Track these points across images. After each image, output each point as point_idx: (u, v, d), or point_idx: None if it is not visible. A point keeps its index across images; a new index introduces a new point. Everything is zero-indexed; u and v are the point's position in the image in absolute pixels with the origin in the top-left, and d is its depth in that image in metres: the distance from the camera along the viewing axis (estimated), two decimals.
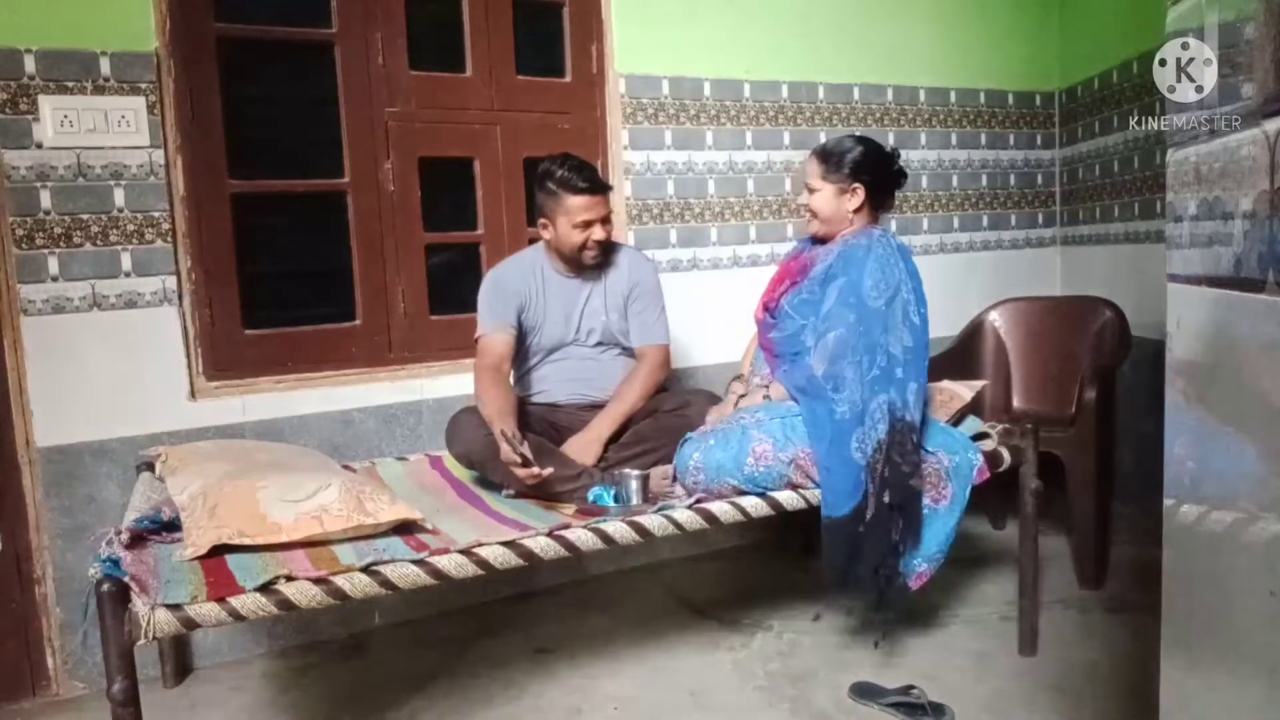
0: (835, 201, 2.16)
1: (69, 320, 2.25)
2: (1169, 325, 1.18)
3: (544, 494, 2.09)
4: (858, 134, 2.30)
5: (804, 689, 2.17)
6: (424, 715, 2.14)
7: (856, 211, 2.16)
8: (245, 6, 2.49)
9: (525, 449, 1.97)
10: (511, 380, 2.40)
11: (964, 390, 2.38)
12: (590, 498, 2.03)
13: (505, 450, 1.98)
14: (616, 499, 2.02)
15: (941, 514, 2.06)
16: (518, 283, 2.35)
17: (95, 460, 2.29)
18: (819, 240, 2.26)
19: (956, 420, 2.31)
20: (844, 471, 1.95)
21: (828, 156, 2.17)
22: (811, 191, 2.19)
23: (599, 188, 2.27)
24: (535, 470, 1.97)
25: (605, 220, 2.30)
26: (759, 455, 1.97)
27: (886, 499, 1.95)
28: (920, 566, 2.05)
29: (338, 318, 2.66)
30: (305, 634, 2.55)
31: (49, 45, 2.19)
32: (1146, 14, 3.12)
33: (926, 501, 2.05)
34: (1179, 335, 1.16)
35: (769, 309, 2.24)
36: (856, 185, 2.15)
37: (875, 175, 2.16)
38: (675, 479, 2.06)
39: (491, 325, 2.31)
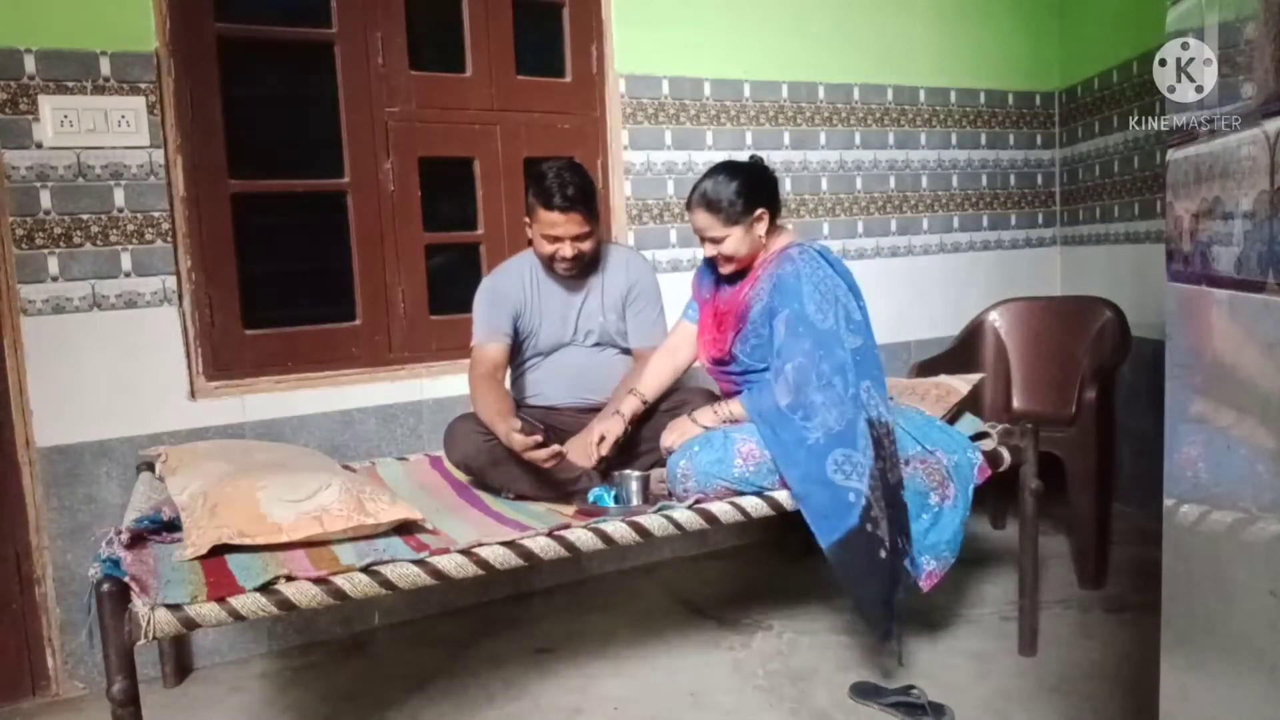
0: (747, 238, 2.08)
1: (69, 320, 2.25)
2: (1169, 325, 1.18)
3: (545, 496, 2.09)
4: (719, 161, 2.16)
5: (804, 689, 2.17)
6: (424, 715, 2.14)
7: (767, 234, 2.11)
8: (245, 6, 2.49)
9: (538, 435, 1.98)
10: (508, 381, 2.40)
11: (960, 384, 2.37)
12: (590, 499, 2.04)
13: (520, 440, 1.97)
14: (616, 499, 2.02)
15: (947, 513, 2.06)
16: (512, 289, 2.34)
17: (95, 460, 2.29)
18: (728, 274, 2.17)
19: (953, 416, 2.31)
20: (823, 493, 1.90)
21: (719, 204, 2.04)
22: (718, 242, 2.07)
23: (573, 207, 2.19)
24: (555, 448, 1.97)
25: (579, 239, 2.24)
26: (746, 455, 1.97)
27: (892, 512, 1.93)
28: (930, 565, 2.02)
29: (338, 318, 2.66)
30: (305, 634, 2.55)
31: (49, 45, 2.19)
32: (1146, 14, 3.12)
33: (932, 499, 2.05)
34: (1179, 335, 1.16)
35: (720, 361, 2.17)
36: (760, 211, 2.07)
37: (767, 192, 2.11)
38: (669, 493, 2.05)
39: (486, 334, 2.31)
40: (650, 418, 2.28)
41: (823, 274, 2.03)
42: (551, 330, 2.37)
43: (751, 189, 2.07)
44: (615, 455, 2.21)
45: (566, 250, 2.24)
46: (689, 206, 2.12)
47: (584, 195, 2.22)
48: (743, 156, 2.18)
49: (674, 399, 2.33)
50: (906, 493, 2.03)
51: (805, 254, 2.06)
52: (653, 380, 2.25)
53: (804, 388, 1.95)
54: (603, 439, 2.13)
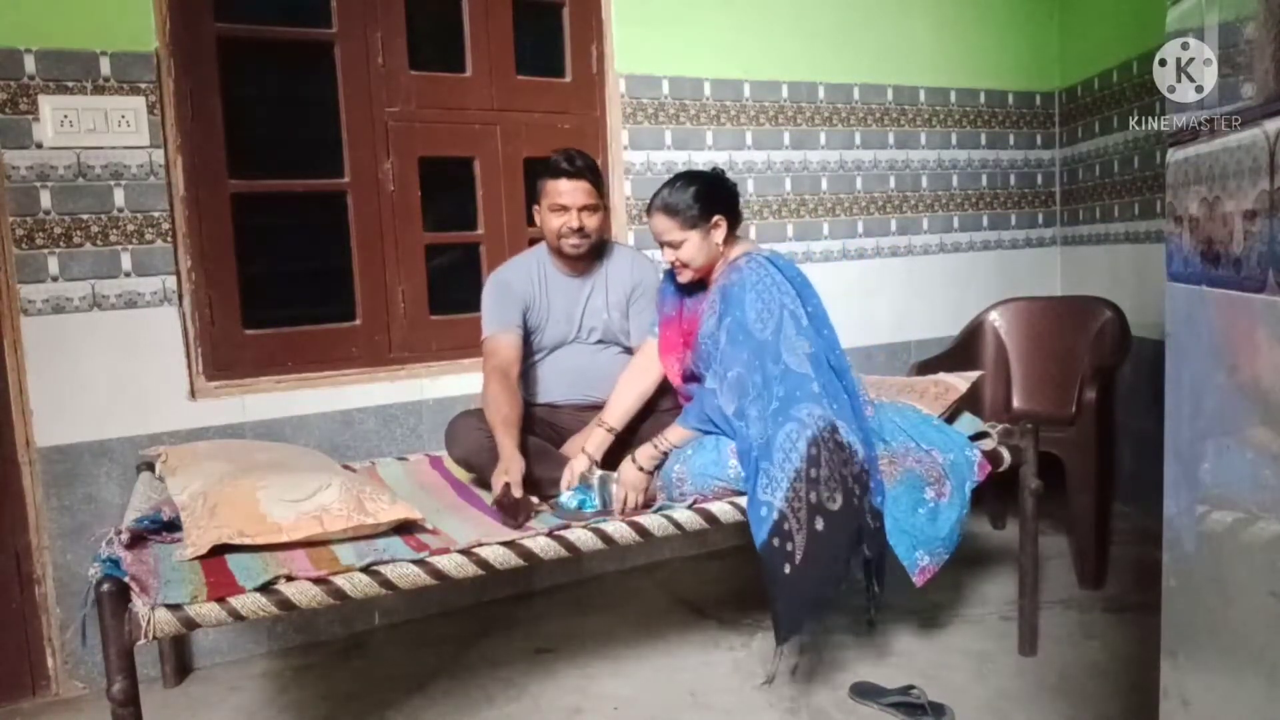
0: (704, 244, 2.09)
1: (69, 320, 2.25)
2: (1169, 325, 1.18)
3: (541, 495, 2.08)
4: (680, 170, 2.17)
5: (804, 689, 2.17)
6: (424, 715, 2.14)
7: (724, 242, 2.12)
8: (245, 6, 2.50)
9: (518, 493, 1.93)
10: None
11: (959, 382, 2.37)
12: (575, 504, 1.99)
13: (498, 487, 1.94)
14: (604, 504, 1.99)
15: (944, 508, 2.05)
16: (521, 283, 2.34)
17: (95, 460, 2.29)
18: (689, 284, 2.18)
19: (952, 414, 2.31)
20: (751, 503, 1.91)
21: (676, 208, 2.07)
22: (676, 246, 2.09)
23: (580, 173, 2.22)
24: (515, 522, 1.90)
25: (587, 210, 2.25)
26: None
27: (819, 526, 1.87)
28: (924, 560, 2.01)
29: (338, 318, 2.66)
30: (305, 634, 2.55)
31: (49, 45, 2.19)
32: (1146, 14, 3.12)
33: (929, 494, 2.04)
34: (1179, 335, 1.16)
35: (689, 378, 2.18)
36: (717, 218, 2.09)
37: (725, 200, 2.12)
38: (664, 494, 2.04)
39: (498, 325, 2.30)
40: (650, 416, 2.28)
41: (768, 282, 2.03)
42: (557, 327, 2.37)
43: (708, 196, 2.09)
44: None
45: (574, 221, 2.24)
46: (649, 211, 2.14)
47: (591, 167, 2.27)
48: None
49: (673, 398, 2.32)
50: (902, 486, 2.02)
51: (752, 262, 2.07)
52: (620, 407, 2.24)
53: (741, 398, 1.97)
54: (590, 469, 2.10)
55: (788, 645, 2.01)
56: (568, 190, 2.23)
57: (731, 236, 2.15)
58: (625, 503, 2.00)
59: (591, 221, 2.27)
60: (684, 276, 2.15)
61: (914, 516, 2.02)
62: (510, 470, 1.96)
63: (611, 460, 2.18)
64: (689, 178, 2.13)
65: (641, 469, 2.04)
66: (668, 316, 2.28)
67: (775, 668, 2.16)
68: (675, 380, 2.24)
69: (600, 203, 2.30)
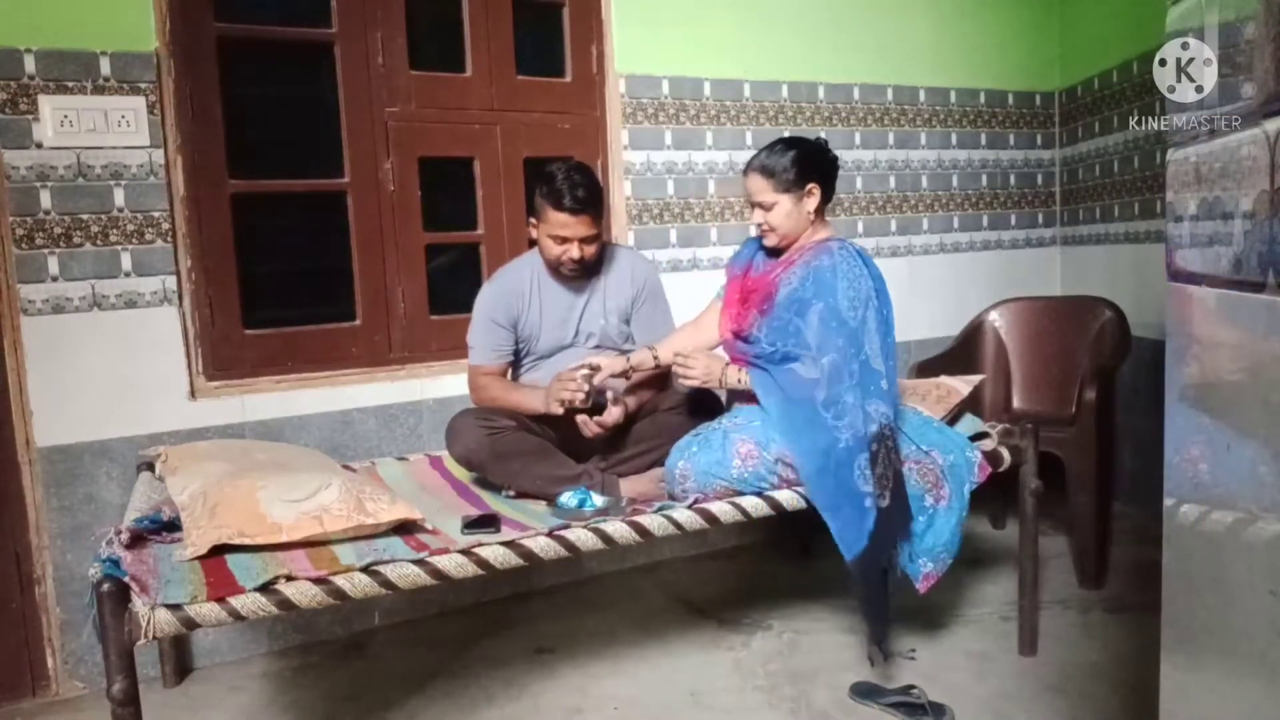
0: (795, 210, 2.09)
1: (69, 320, 2.25)
2: (1169, 325, 1.18)
3: (545, 493, 2.08)
4: (785, 136, 2.20)
5: (804, 689, 2.17)
6: (424, 715, 2.14)
7: (815, 212, 2.12)
8: (245, 6, 2.50)
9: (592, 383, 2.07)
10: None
11: (961, 385, 2.37)
12: (575, 503, 1.99)
13: (574, 387, 2.08)
14: (606, 502, 1.99)
15: (941, 514, 2.05)
16: (511, 298, 2.33)
17: (95, 460, 2.29)
18: (771, 249, 2.19)
19: (954, 417, 2.31)
20: (852, 503, 1.90)
21: (772, 170, 2.08)
22: (767, 209, 2.09)
23: (584, 209, 2.20)
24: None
25: (587, 240, 2.24)
26: (744, 455, 1.97)
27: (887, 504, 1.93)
28: (927, 567, 2.03)
29: (338, 318, 2.66)
30: (305, 634, 2.55)
31: (49, 45, 2.19)
32: (1146, 14, 3.12)
33: (927, 501, 2.05)
34: (1179, 335, 1.16)
35: (741, 336, 2.16)
36: (811, 186, 2.09)
37: (821, 170, 2.11)
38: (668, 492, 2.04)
39: (485, 357, 2.32)
40: (649, 416, 2.28)
41: (858, 272, 2.03)
42: (552, 333, 2.36)
43: (806, 163, 2.08)
44: (614, 456, 2.21)
45: (574, 252, 2.24)
46: (745, 172, 2.15)
47: (594, 197, 2.23)
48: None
49: (675, 397, 2.33)
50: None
51: (844, 249, 2.07)
52: (672, 345, 2.25)
53: (836, 384, 1.96)
54: (597, 368, 2.13)
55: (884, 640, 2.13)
56: (570, 224, 2.20)
57: (822, 214, 2.14)
58: (693, 370, 2.08)
59: (591, 250, 2.27)
60: (770, 240, 2.15)
61: (913, 524, 2.03)
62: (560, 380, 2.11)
63: (609, 445, 2.20)
64: (790, 142, 2.12)
65: (724, 379, 2.09)
66: (734, 276, 2.28)
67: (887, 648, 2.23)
68: (726, 335, 2.24)
69: (600, 228, 2.29)
